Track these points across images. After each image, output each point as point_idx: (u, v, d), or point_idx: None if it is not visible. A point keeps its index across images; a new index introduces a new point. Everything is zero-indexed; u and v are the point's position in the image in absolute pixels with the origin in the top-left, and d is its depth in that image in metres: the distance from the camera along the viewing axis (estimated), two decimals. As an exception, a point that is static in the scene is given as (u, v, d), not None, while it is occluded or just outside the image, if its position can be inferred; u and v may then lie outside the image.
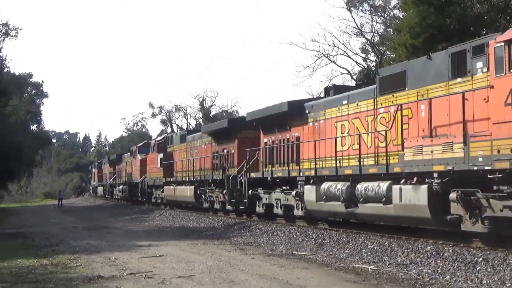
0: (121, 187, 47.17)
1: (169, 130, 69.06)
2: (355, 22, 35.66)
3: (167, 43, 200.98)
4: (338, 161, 16.53)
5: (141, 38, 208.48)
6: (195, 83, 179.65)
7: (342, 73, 37.21)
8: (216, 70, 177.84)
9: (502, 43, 11.02)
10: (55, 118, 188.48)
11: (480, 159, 11.41)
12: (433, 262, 11.10)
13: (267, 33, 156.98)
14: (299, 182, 18.37)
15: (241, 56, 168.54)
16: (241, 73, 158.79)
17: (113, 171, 52.32)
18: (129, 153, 46.13)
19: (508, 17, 21.98)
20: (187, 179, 29.47)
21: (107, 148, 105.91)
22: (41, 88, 47.94)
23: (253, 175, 21.63)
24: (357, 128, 16.13)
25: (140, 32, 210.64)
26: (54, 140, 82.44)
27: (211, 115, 63.46)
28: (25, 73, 44.01)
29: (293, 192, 18.52)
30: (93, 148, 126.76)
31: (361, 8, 35.01)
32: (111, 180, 53.06)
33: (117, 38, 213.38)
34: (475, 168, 11.56)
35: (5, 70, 32.35)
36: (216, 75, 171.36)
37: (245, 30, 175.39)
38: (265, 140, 21.53)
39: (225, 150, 25.28)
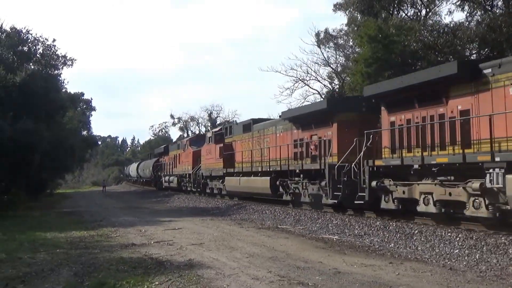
0: None
1: (185, 135, 68.45)
2: (323, 55, 35.38)
3: (167, 43, 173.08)
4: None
5: (147, 42, 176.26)
6: (195, 81, 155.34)
7: (313, 93, 37.03)
8: (216, 69, 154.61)
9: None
10: (100, 125, 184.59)
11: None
12: (381, 233, 11.11)
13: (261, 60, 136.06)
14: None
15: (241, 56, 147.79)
16: (240, 74, 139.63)
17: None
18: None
19: (436, 53, 22.04)
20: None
21: (139, 148, 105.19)
22: (90, 104, 47.97)
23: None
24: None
25: (144, 36, 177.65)
26: (99, 142, 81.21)
27: (216, 124, 63.00)
28: (78, 92, 43.83)
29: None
30: (129, 148, 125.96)
31: (327, 45, 34.99)
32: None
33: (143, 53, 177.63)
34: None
35: (63, 90, 32.08)
36: (216, 75, 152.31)
37: (244, 29, 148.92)
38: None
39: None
